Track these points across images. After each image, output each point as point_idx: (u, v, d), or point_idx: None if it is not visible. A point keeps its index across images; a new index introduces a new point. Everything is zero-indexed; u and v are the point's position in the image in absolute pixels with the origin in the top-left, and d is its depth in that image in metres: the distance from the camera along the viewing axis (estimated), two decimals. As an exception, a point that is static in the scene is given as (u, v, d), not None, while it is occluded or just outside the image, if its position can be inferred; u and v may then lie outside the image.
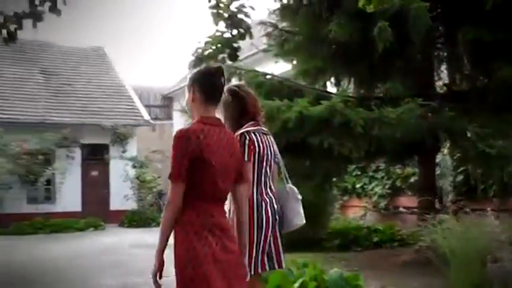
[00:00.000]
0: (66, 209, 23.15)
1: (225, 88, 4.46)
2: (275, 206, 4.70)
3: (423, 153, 10.73)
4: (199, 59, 10.01)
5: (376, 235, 13.23)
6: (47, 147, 22.79)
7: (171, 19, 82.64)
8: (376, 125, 8.60)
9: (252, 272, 4.48)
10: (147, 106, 28.27)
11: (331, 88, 11.47)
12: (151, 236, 11.04)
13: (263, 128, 4.80)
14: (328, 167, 10.54)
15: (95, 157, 25.01)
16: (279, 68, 12.43)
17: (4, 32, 9.92)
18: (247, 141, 4.56)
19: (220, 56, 10.04)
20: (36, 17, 9.52)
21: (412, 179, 15.02)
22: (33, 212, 22.43)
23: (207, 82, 3.93)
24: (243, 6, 9.51)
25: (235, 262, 3.84)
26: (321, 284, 5.93)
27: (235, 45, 9.80)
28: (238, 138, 4.47)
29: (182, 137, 3.74)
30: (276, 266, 4.75)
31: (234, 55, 9.82)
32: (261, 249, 4.61)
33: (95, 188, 24.37)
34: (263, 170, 4.68)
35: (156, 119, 30.05)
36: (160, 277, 3.70)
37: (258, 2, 10.92)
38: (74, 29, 64.28)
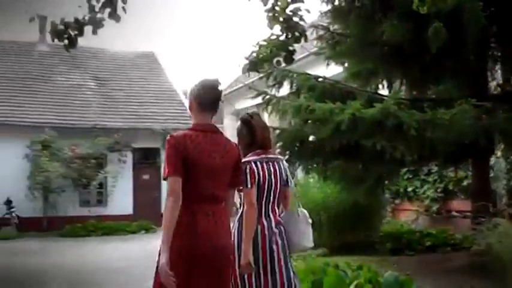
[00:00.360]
0: (117, 212, 23.47)
1: (240, 116, 5.48)
2: (273, 228, 5.08)
3: (477, 155, 10.53)
4: (254, 63, 9.99)
5: (428, 239, 13.03)
6: (99, 152, 23.12)
7: (221, 23, 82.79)
8: (429, 127, 8.45)
9: None
10: (197, 111, 28.36)
11: (382, 91, 11.36)
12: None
13: (269, 156, 5.23)
14: (380, 170, 10.42)
15: (147, 161, 25.27)
16: (330, 71, 12.35)
17: (61, 36, 9.97)
18: (248, 170, 5.01)
19: (275, 59, 10.01)
20: (96, 23, 9.61)
21: (464, 182, 14.77)
22: (86, 214, 22.88)
23: (204, 94, 4.35)
24: (298, 9, 9.47)
25: (214, 258, 4.09)
26: (376, 287, 5.88)
27: (290, 48, 9.77)
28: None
29: (172, 141, 4.17)
30: (279, 283, 4.99)
31: (289, 58, 9.77)
32: (262, 268, 4.98)
33: (147, 192, 24.58)
34: (263, 197, 5.10)
35: (205, 123, 30.15)
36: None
37: (309, 4, 10.88)
38: (124, 34, 64.83)
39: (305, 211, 5.32)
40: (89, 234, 21.16)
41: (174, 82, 29.07)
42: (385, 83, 11.16)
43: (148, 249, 15.54)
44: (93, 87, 27.20)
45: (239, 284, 4.94)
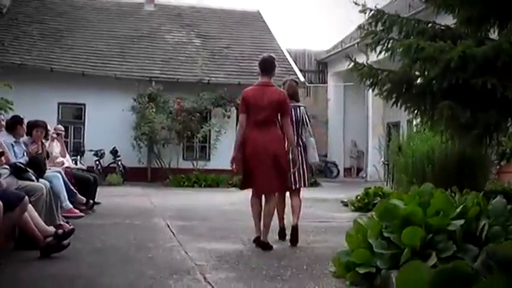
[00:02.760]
0: (220, 166, 23.63)
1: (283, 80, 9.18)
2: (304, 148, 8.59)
3: None
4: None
5: (536, 196, 12.68)
6: (204, 106, 23.47)
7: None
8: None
9: (295, 186, 8.53)
10: (301, 71, 28.29)
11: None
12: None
13: (293, 102, 8.45)
14: (489, 116, 10.12)
15: (251, 117, 25.29)
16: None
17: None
18: None
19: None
20: None
21: None
22: (189, 167, 23.33)
23: (260, 63, 8.21)
24: None
25: (265, 154, 7.70)
26: (484, 211, 5.77)
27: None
28: None
29: (243, 93, 8.03)
30: (302, 184, 8.62)
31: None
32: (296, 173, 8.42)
33: (250, 147, 24.62)
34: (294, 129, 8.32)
35: (310, 83, 30.19)
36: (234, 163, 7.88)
37: None
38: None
39: (312, 139, 8.70)
40: (192, 185, 21.57)
41: (279, 40, 29.11)
42: (496, 28, 10.80)
43: (242, 198, 15.76)
44: (198, 44, 27.60)
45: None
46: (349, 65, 10.34)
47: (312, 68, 32.53)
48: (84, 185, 11.24)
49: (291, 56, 28.42)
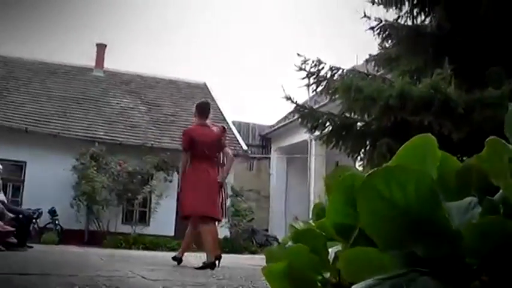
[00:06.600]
0: (159, 232, 23.44)
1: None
2: None
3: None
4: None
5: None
6: (146, 169, 23.37)
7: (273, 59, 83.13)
8: (477, 107, 8.41)
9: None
10: (246, 145, 28.49)
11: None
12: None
13: None
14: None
15: (193, 184, 25.15)
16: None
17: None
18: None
19: None
20: None
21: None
22: (128, 232, 22.94)
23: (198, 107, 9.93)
24: None
25: (207, 183, 9.42)
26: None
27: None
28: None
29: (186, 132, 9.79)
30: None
31: None
32: None
33: (189, 214, 24.40)
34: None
35: (253, 158, 30.36)
36: None
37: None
38: (179, 62, 66.51)
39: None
40: (130, 247, 21.03)
41: (225, 112, 29.40)
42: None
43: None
44: (144, 110, 27.80)
45: None
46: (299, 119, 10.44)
47: (255, 143, 32.67)
48: (17, 219, 11.01)
49: (235, 127, 28.67)
